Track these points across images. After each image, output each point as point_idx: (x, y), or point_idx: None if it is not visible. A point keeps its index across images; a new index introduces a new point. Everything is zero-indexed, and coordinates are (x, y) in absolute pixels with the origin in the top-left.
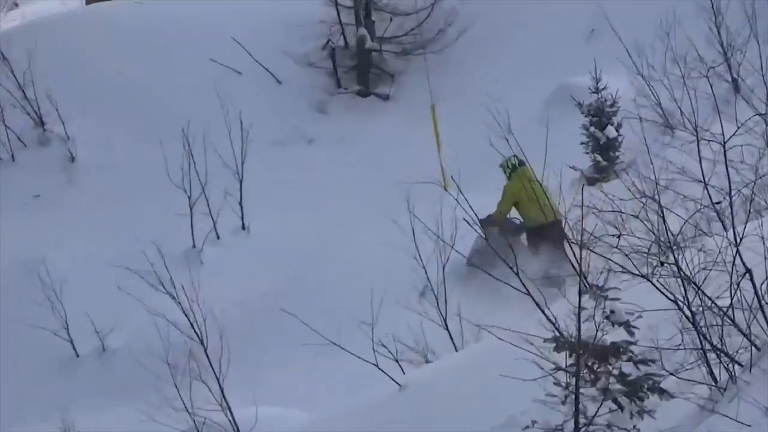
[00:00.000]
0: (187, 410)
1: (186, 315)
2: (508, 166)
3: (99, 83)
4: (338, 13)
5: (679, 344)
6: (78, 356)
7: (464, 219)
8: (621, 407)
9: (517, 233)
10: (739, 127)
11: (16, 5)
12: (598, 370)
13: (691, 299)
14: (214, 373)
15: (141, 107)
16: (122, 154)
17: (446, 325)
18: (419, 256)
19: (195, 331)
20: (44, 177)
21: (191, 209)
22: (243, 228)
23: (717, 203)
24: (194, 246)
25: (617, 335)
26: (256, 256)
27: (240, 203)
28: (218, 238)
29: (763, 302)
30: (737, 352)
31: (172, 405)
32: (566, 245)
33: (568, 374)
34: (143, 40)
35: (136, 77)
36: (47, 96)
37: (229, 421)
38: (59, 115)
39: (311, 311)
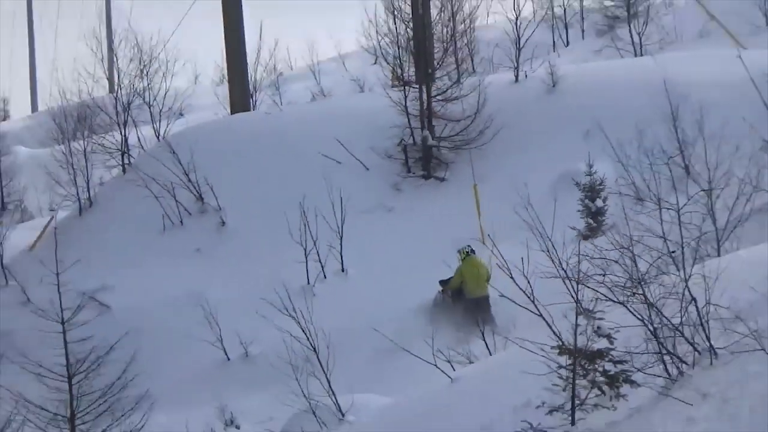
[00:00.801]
0: (305, 396)
1: (303, 331)
2: (462, 253)
3: (241, 169)
4: (409, 121)
5: (645, 350)
6: (229, 359)
7: (497, 264)
8: (604, 393)
9: (458, 301)
10: (689, 200)
11: (182, 115)
12: (588, 367)
13: (653, 319)
14: (323, 370)
15: (271, 187)
16: (258, 220)
17: (483, 335)
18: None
19: (310, 342)
20: (203, 236)
21: (306, 258)
22: (342, 270)
23: (673, 252)
24: (308, 283)
25: (602, 344)
26: (352, 291)
27: (340, 253)
28: (325, 277)
29: (703, 321)
30: (684, 355)
31: (295, 393)
32: (565, 281)
33: (567, 370)
34: (272, 139)
35: (267, 165)
36: (205, 179)
37: (334, 403)
38: (213, 192)
39: (390, 328)
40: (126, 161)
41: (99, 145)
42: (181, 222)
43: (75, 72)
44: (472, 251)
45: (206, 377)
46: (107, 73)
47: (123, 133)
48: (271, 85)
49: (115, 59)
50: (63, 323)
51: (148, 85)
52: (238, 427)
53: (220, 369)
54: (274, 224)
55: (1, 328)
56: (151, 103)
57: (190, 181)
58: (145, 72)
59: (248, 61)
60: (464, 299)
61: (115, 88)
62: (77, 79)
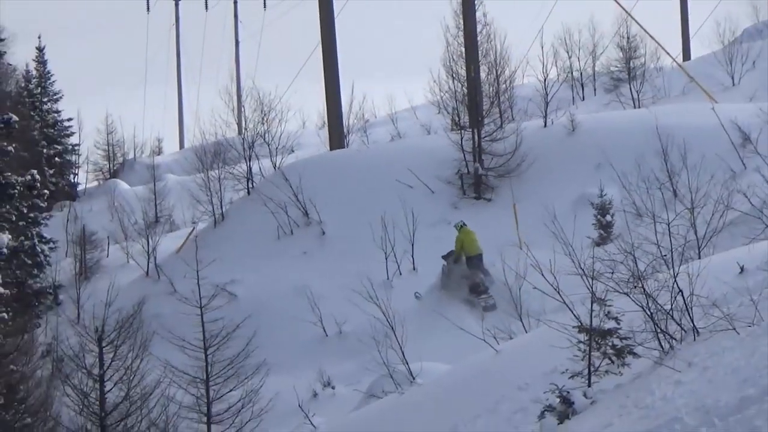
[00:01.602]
0: (384, 364)
1: (384, 314)
2: (458, 226)
3: (337, 192)
4: (464, 155)
5: (643, 329)
6: (327, 336)
7: (531, 265)
8: (613, 362)
9: (460, 262)
10: (676, 216)
11: (293, 151)
12: (601, 342)
13: (650, 306)
14: (399, 344)
15: (359, 205)
16: (350, 230)
17: (520, 317)
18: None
19: (388, 322)
20: (308, 242)
21: (386, 259)
22: (414, 269)
23: (664, 255)
24: (387, 278)
25: (611, 324)
26: (421, 284)
27: (412, 255)
28: (400, 274)
29: (688, 307)
30: (674, 333)
31: (377, 361)
32: (582, 277)
33: (584, 344)
34: (360, 169)
35: (357, 189)
36: (309, 199)
37: (407, 369)
38: (316, 209)
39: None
40: (250, 186)
41: (229, 173)
42: (291, 232)
43: (212, 118)
44: (464, 224)
45: (309, 350)
46: (236, 119)
47: (248, 165)
48: (360, 128)
49: (242, 109)
50: (201, 308)
51: (267, 128)
52: (333, 388)
53: (319, 343)
54: (361, 233)
55: (153, 312)
56: (269, 142)
57: (298, 200)
58: (265, 119)
59: (343, 110)
60: (465, 258)
61: (243, 130)
62: (214, 123)
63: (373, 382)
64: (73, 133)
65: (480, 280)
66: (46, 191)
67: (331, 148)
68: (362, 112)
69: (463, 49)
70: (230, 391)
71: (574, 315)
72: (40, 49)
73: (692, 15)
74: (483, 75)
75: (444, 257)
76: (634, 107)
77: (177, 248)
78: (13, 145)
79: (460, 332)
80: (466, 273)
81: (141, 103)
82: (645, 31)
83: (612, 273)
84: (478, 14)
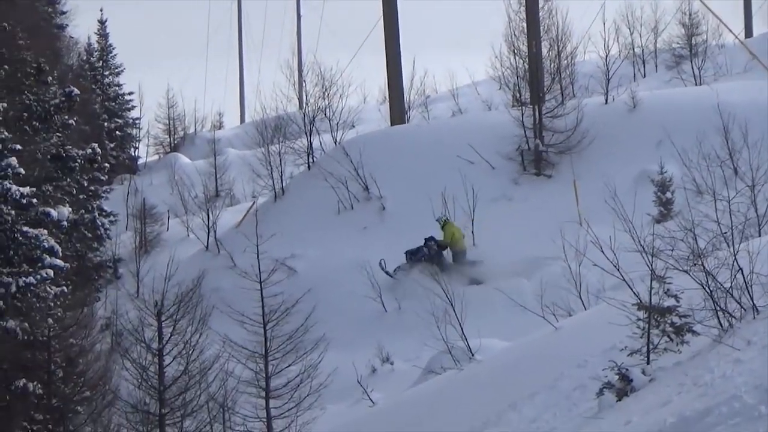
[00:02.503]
0: (443, 340)
1: (443, 289)
2: (442, 221)
3: (398, 167)
4: (524, 132)
5: (703, 307)
6: (386, 311)
7: (591, 241)
8: (672, 340)
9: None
10: (737, 193)
11: (353, 126)
12: (660, 320)
13: (709, 283)
14: (458, 320)
15: (419, 180)
16: (410, 205)
17: (579, 295)
18: None
19: (448, 298)
20: (368, 217)
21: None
22: (474, 244)
23: (725, 233)
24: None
25: (670, 302)
26: (482, 255)
27: (472, 231)
28: None
29: (747, 285)
30: (733, 311)
31: (436, 337)
32: (642, 254)
33: (644, 322)
34: (421, 145)
35: (417, 164)
36: (370, 174)
37: (465, 346)
38: (376, 184)
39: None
40: (310, 160)
41: (290, 148)
42: (352, 207)
43: (273, 93)
44: (448, 219)
45: (368, 325)
46: (297, 94)
47: (309, 140)
48: (421, 104)
49: (303, 84)
50: (260, 282)
51: (328, 103)
52: (392, 363)
53: (379, 319)
54: (421, 209)
55: (212, 286)
56: (330, 117)
57: (359, 176)
58: (326, 93)
59: (404, 85)
60: (453, 251)
61: (303, 105)
62: (275, 98)
63: (431, 358)
64: (134, 107)
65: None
66: (106, 164)
67: (392, 124)
68: (423, 88)
69: (525, 25)
70: (289, 366)
71: (634, 292)
72: (102, 22)
73: None
74: (544, 51)
75: (429, 239)
76: (696, 84)
77: (237, 222)
78: (75, 118)
79: (519, 309)
80: (448, 266)
81: (202, 76)
82: (707, 7)
83: (672, 250)
84: None
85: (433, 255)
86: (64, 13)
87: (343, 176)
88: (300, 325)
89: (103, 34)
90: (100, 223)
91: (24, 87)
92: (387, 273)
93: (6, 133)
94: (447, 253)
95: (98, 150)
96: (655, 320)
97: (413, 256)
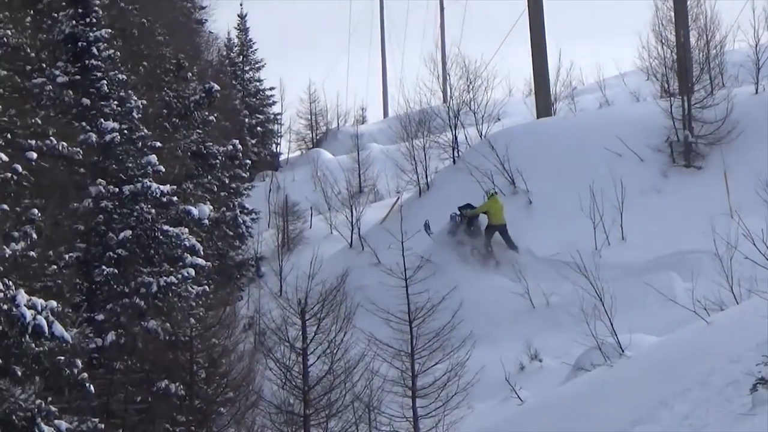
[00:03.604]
0: (593, 336)
1: (592, 285)
2: (489, 193)
3: (544, 161)
4: (673, 123)
5: None
6: (534, 307)
7: (742, 234)
8: None
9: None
10: None
11: (499, 119)
12: None
13: None
14: (608, 315)
15: (566, 174)
16: (557, 199)
17: (731, 288)
18: None
19: (597, 294)
20: (514, 212)
21: (594, 228)
22: (623, 238)
23: None
24: (596, 248)
25: None
26: (630, 254)
27: (621, 225)
28: (609, 244)
29: None
30: None
31: (585, 333)
32: None
33: None
34: (568, 138)
35: (564, 157)
36: (516, 168)
37: (616, 342)
38: (523, 178)
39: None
40: (455, 155)
41: (435, 142)
42: None
43: (416, 86)
44: (496, 192)
45: (516, 321)
46: (441, 87)
47: (453, 133)
48: (567, 96)
49: (447, 77)
50: (406, 280)
51: (473, 96)
52: (540, 361)
53: (527, 315)
54: (569, 202)
55: (356, 284)
56: (475, 110)
57: (504, 169)
58: (471, 86)
59: (550, 77)
60: (487, 226)
61: (448, 98)
62: (418, 91)
63: (581, 354)
64: (275, 102)
65: (488, 251)
66: (248, 161)
67: (538, 116)
68: (569, 79)
69: (673, 14)
70: (435, 364)
71: None
72: (242, 17)
73: None
74: (693, 40)
75: (462, 208)
76: None
77: (381, 219)
78: (215, 114)
79: (669, 303)
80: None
81: (344, 71)
82: None
83: None
84: None
85: (463, 224)
86: (203, 8)
87: (489, 170)
88: (446, 322)
89: (242, 29)
90: (241, 221)
91: (164, 84)
92: (429, 233)
93: (146, 131)
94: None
95: (239, 146)
96: None
97: (451, 220)
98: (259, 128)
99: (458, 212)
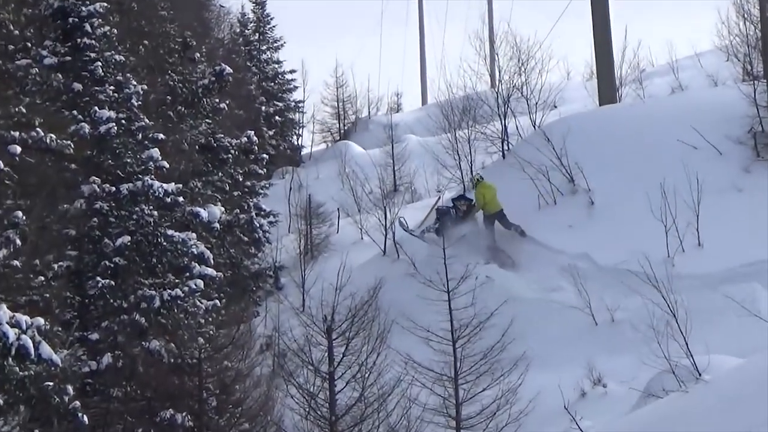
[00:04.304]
0: (665, 357)
1: (664, 298)
2: (474, 180)
3: (608, 154)
4: (758, 111)
5: None
6: (596, 324)
7: None
8: None
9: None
10: None
11: (555, 107)
12: None
13: None
14: (682, 334)
15: (634, 170)
16: (623, 199)
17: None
18: None
19: (669, 308)
20: (574, 213)
21: (666, 232)
22: (699, 245)
23: None
24: (668, 255)
25: None
26: (708, 263)
27: (697, 229)
28: (683, 251)
29: None
30: None
31: (656, 354)
32: None
33: None
34: (635, 128)
35: (631, 151)
36: (575, 163)
37: (692, 364)
38: (583, 175)
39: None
40: (505, 148)
41: (481, 133)
42: (555, 201)
43: (460, 69)
44: (482, 178)
45: (575, 340)
46: (489, 69)
47: (503, 123)
48: (634, 80)
49: (496, 57)
50: (448, 293)
51: (525, 80)
52: (605, 386)
53: (588, 333)
54: (636, 203)
55: (391, 297)
56: (528, 96)
57: (562, 164)
58: (522, 69)
59: (614, 58)
60: (484, 216)
61: (496, 83)
62: (462, 75)
63: (651, 378)
64: (296, 88)
65: (492, 244)
66: (265, 156)
67: (601, 103)
68: (637, 61)
69: None
70: (483, 390)
71: None
72: None
73: None
74: None
75: (455, 200)
76: None
77: (420, 222)
78: (227, 101)
79: (753, 319)
80: (482, 232)
81: (376, 51)
82: None
83: None
84: None
85: (461, 217)
86: None
87: (544, 165)
88: (496, 341)
89: (259, 2)
90: (258, 225)
91: (167, 66)
92: (408, 231)
93: (146, 120)
94: (479, 216)
95: (255, 139)
96: None
97: (442, 216)
98: (277, 117)
99: (453, 205)
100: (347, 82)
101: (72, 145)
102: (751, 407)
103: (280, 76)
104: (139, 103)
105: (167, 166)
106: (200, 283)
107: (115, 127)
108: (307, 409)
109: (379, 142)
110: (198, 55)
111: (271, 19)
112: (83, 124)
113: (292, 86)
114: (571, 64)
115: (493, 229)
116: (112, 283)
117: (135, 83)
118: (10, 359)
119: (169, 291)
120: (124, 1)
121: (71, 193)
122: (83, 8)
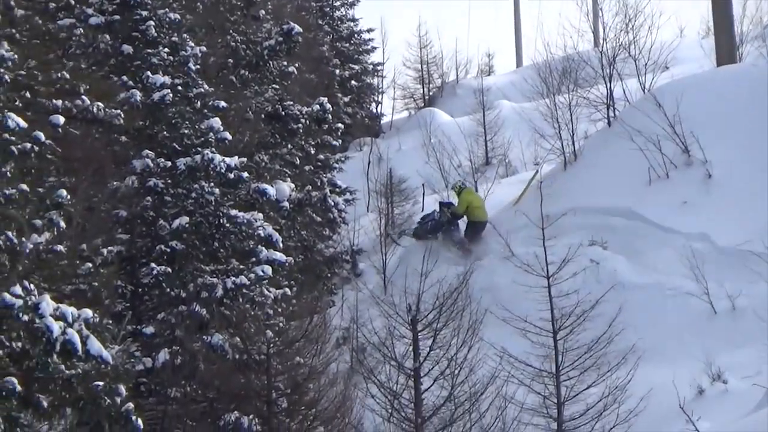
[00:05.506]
0: None
1: None
2: (457, 188)
3: (728, 122)
4: None
5: None
6: (716, 313)
7: None
8: None
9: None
10: None
11: (667, 68)
12: None
13: None
14: None
15: (758, 139)
16: (746, 172)
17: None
18: None
19: None
20: (690, 188)
21: None
22: None
23: None
24: None
25: None
26: None
27: None
28: None
29: None
30: None
31: None
32: None
33: None
34: (759, 92)
35: (754, 118)
36: (690, 132)
37: None
38: (699, 145)
39: None
40: (611, 114)
41: (584, 98)
42: (667, 175)
43: (560, 27)
44: (465, 185)
45: (692, 331)
46: (592, 27)
47: (608, 87)
48: (757, 36)
49: (600, 13)
50: (548, 278)
51: (633, 38)
52: (725, 382)
53: (706, 322)
54: (760, 176)
55: (484, 284)
56: (636, 56)
57: (675, 133)
58: (630, 26)
59: (734, 12)
60: (468, 224)
61: (600, 42)
62: (562, 33)
63: None
64: (374, 49)
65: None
66: (339, 125)
67: (719, 64)
68: (760, 15)
69: None
70: (588, 387)
71: None
72: None
73: None
74: None
75: (442, 205)
76: None
77: (515, 198)
78: (296, 64)
79: None
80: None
81: (464, 7)
82: None
83: None
84: None
85: (444, 223)
86: None
87: (655, 134)
88: (602, 333)
89: None
90: (332, 203)
91: (229, 25)
92: (390, 236)
93: (206, 87)
94: (462, 224)
95: (328, 106)
96: None
97: (422, 221)
98: (353, 82)
99: (439, 209)
100: (432, 42)
101: (122, 115)
102: None
103: (356, 36)
104: (197, 66)
105: (229, 137)
106: (268, 269)
107: (171, 95)
108: (390, 410)
109: (469, 109)
110: (263, 12)
111: None
112: (134, 91)
113: (369, 47)
114: (684, 20)
115: (473, 236)
116: (169, 270)
117: (192, 45)
118: (54, 356)
119: (233, 278)
120: None
121: (122, 169)
122: None
